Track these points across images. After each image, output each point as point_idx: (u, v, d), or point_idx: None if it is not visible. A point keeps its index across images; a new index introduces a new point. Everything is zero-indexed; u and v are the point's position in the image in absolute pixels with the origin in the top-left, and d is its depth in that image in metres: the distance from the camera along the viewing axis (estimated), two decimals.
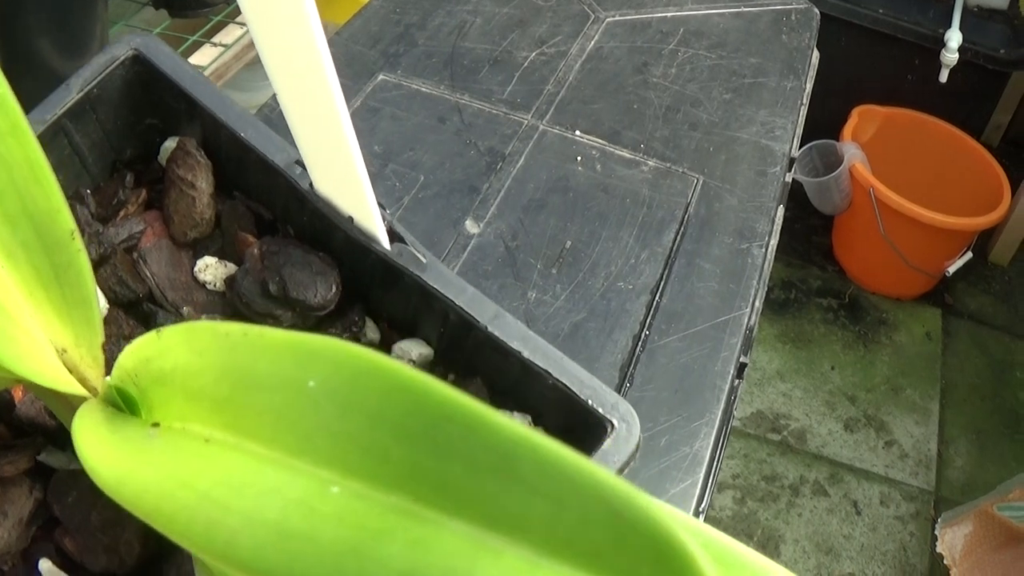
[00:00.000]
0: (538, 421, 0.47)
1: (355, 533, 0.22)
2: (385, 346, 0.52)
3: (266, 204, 0.43)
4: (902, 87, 2.10)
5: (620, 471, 0.42)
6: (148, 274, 0.44)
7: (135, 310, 0.46)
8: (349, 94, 0.89)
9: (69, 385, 0.30)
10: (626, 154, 0.90)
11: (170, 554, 0.32)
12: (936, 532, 1.59)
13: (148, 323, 0.45)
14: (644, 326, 0.76)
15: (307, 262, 0.42)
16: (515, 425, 0.22)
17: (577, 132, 0.92)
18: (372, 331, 0.52)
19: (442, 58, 0.97)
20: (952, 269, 1.99)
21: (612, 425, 0.43)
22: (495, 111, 0.92)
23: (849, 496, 1.75)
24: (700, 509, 0.69)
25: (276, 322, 0.45)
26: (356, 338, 0.50)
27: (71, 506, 0.29)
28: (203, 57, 1.17)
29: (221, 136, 0.40)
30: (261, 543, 0.23)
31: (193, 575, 0.30)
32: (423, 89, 0.93)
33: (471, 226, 0.81)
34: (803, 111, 1.04)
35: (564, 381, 0.44)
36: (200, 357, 0.27)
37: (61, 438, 0.34)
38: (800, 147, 1.98)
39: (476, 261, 0.78)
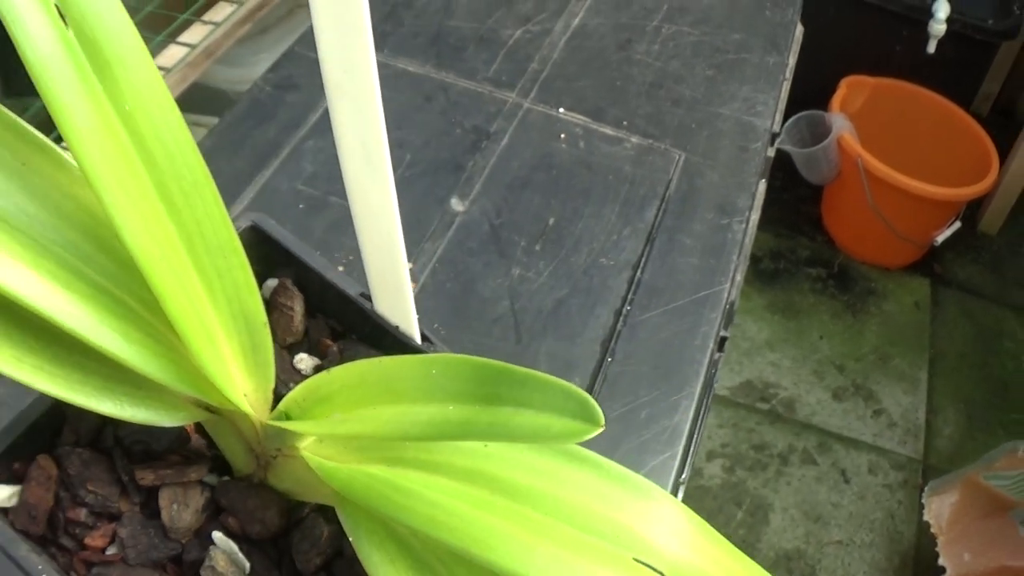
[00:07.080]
0: None
1: None
2: None
3: (339, 320, 0.56)
4: (890, 58, 2.10)
5: None
6: None
7: None
8: None
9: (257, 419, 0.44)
10: (609, 131, 0.91)
11: (296, 526, 0.45)
12: (923, 500, 1.61)
13: None
14: (626, 301, 0.78)
15: (370, 355, 0.53)
16: None
17: (561, 109, 0.93)
18: None
19: (428, 37, 0.98)
20: (940, 239, 2.00)
21: None
22: (480, 89, 0.93)
23: (837, 465, 1.77)
24: (680, 480, 0.71)
25: None
26: None
27: (233, 498, 0.45)
28: (193, 35, 1.16)
29: (310, 277, 0.55)
30: None
31: (319, 536, 0.43)
32: (409, 68, 0.94)
33: (456, 204, 0.82)
34: (786, 86, 1.06)
35: None
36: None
37: (217, 466, 0.47)
38: (787, 119, 1.98)
39: (461, 239, 0.80)
